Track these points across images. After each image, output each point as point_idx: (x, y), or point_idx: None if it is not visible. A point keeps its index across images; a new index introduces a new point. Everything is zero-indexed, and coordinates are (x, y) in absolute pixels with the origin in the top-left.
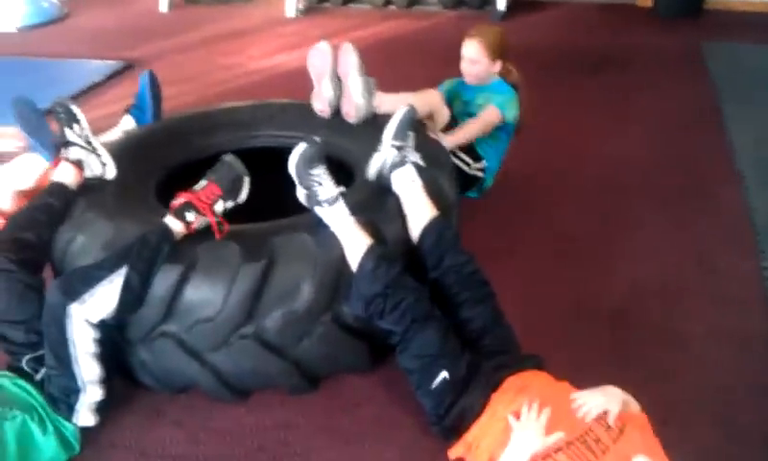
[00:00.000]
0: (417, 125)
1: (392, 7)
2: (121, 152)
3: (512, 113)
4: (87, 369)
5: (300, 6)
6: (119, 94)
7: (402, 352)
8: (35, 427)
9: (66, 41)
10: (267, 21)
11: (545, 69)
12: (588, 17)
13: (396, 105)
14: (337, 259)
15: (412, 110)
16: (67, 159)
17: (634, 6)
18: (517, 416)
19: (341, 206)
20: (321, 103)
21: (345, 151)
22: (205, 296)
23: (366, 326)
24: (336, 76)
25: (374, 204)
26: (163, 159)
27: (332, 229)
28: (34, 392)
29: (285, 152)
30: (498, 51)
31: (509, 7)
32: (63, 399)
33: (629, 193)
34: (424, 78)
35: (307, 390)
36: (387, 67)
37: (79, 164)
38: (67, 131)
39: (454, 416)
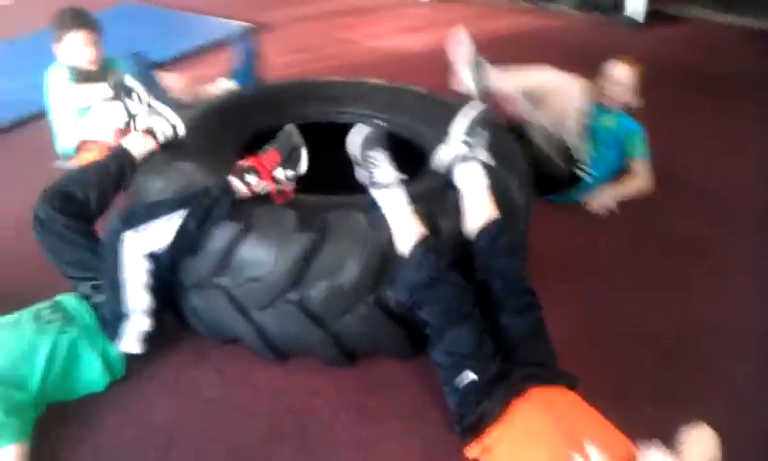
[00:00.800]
0: (491, 124)
1: (521, 2)
2: (217, 109)
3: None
4: (136, 297)
5: None
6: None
7: (434, 346)
8: (85, 346)
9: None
10: (395, 1)
11: (670, 86)
12: (727, 39)
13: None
14: (386, 243)
15: (487, 110)
16: (136, 130)
17: None
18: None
19: (398, 192)
20: (461, 89)
21: (425, 139)
22: (258, 256)
23: (407, 313)
24: (476, 64)
25: (435, 195)
26: (254, 121)
27: (384, 212)
28: (88, 315)
29: None
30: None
31: (645, 16)
32: (112, 322)
33: (721, 226)
34: None
35: (344, 363)
36: (510, 62)
37: (150, 131)
38: (128, 102)
39: (475, 417)
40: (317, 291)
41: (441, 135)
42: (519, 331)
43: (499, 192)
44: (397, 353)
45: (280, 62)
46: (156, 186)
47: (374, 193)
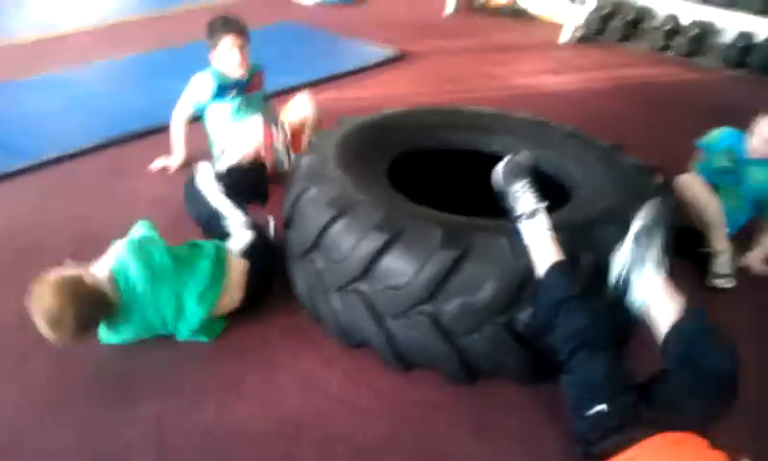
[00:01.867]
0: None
1: (668, 53)
2: (371, 127)
3: None
4: (226, 208)
5: (578, 34)
6: (385, 79)
7: (566, 374)
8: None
9: (356, 23)
10: (540, 42)
11: None
12: None
13: None
14: (524, 270)
15: (663, 207)
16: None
17: None
18: None
19: (540, 218)
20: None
21: (570, 176)
22: (400, 267)
23: (535, 338)
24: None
25: (578, 228)
26: (404, 142)
27: (526, 240)
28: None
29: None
30: None
31: None
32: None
33: None
34: (684, 128)
35: (465, 380)
36: (650, 112)
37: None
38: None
39: (603, 447)
40: (451, 306)
41: (586, 173)
42: (672, 396)
43: None
44: (518, 377)
45: (429, 90)
46: (311, 192)
47: (517, 223)
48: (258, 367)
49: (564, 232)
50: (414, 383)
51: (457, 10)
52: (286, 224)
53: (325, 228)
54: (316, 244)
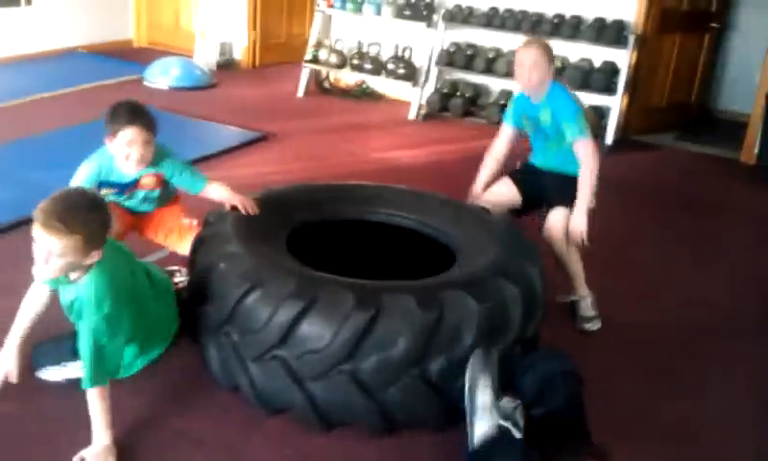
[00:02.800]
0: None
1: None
2: (269, 202)
3: (588, 129)
4: None
5: (423, 111)
6: (252, 160)
7: None
8: None
9: (211, 107)
10: (390, 120)
11: (640, 202)
12: (690, 163)
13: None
14: (432, 323)
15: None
16: None
17: (737, 161)
18: None
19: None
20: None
21: (449, 236)
22: (318, 331)
23: (446, 385)
24: None
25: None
26: (297, 215)
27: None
28: None
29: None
30: (552, 55)
31: (615, 143)
32: None
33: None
34: None
35: (386, 432)
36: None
37: None
38: None
39: None
40: (368, 363)
41: (465, 235)
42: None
43: (524, 285)
44: (434, 424)
45: (295, 168)
46: (220, 268)
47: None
48: (177, 442)
49: (461, 288)
50: (336, 441)
51: (307, 92)
52: (192, 299)
53: (240, 300)
54: (231, 317)
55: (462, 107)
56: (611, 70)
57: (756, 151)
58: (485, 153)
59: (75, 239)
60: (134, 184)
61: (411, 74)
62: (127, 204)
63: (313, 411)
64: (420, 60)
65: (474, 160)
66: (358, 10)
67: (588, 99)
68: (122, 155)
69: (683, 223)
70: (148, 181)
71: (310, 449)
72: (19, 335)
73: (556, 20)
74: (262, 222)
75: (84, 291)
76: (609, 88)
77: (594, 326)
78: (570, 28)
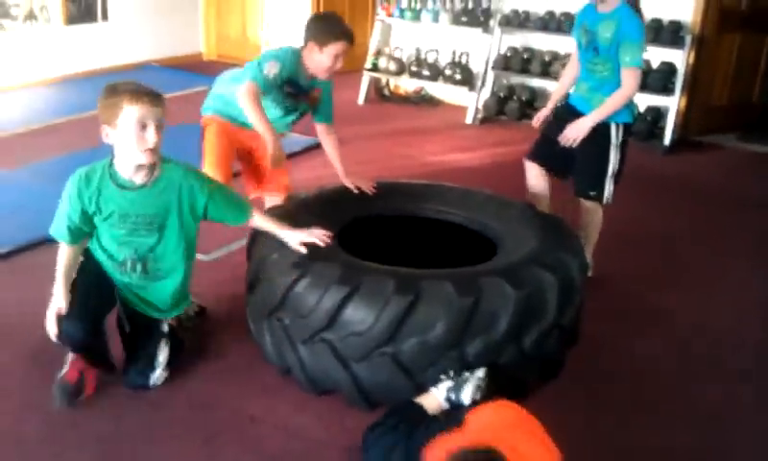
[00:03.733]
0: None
1: None
2: (320, 199)
3: (642, 61)
4: None
5: (480, 115)
6: (313, 164)
7: None
8: None
9: None
10: (447, 124)
11: (708, 204)
12: (753, 163)
13: None
14: (469, 308)
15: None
16: None
17: None
18: None
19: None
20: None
21: (493, 230)
22: (361, 315)
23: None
24: None
25: (516, 276)
26: (351, 210)
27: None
28: None
29: (440, 222)
30: None
31: (672, 144)
32: None
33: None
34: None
35: None
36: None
37: None
38: None
39: None
40: (408, 346)
41: (508, 228)
42: None
43: (562, 273)
44: None
45: (354, 171)
46: (274, 257)
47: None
48: (234, 420)
49: (498, 275)
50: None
51: (367, 99)
52: (250, 289)
53: (291, 287)
54: (282, 303)
55: (518, 110)
56: (668, 70)
57: None
58: None
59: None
60: (308, 93)
61: (468, 79)
62: (284, 118)
63: (357, 391)
64: (476, 66)
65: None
66: (416, 18)
67: (647, 100)
68: (325, 65)
69: (748, 222)
70: (317, 94)
71: (356, 425)
72: (63, 277)
73: None
74: (318, 217)
75: (174, 176)
76: (666, 89)
77: None
78: None
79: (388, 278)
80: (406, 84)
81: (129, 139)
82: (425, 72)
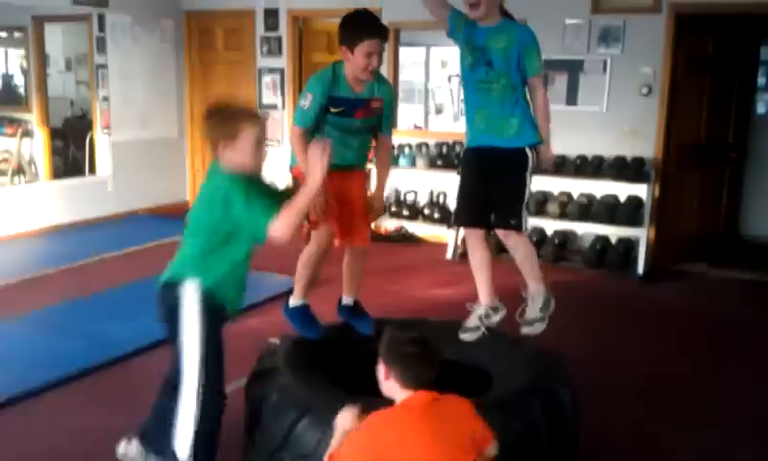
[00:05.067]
0: None
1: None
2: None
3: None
4: None
5: (459, 251)
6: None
7: None
8: None
9: (257, 256)
10: (428, 261)
11: (685, 330)
12: (724, 289)
13: None
14: None
15: None
16: None
17: None
18: None
19: None
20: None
21: (485, 362)
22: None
23: None
24: None
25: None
26: (341, 350)
27: None
28: None
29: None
30: None
31: (646, 272)
32: None
33: None
34: (556, 320)
35: None
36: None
37: None
38: None
39: None
40: None
41: (500, 360)
42: None
43: (553, 406)
44: None
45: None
46: (273, 399)
47: None
48: None
49: (490, 408)
50: None
51: None
52: (248, 430)
53: (292, 427)
54: (283, 444)
55: (496, 245)
56: (636, 204)
57: None
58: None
59: None
60: (364, 105)
61: (446, 217)
62: (349, 138)
63: None
64: (454, 204)
65: (509, 292)
66: (394, 163)
67: (618, 231)
68: (361, 65)
69: (730, 346)
70: (378, 105)
71: None
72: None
73: (578, 161)
74: (310, 356)
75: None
76: (636, 221)
77: (536, 329)
78: (593, 167)
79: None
80: (387, 224)
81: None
82: (405, 212)
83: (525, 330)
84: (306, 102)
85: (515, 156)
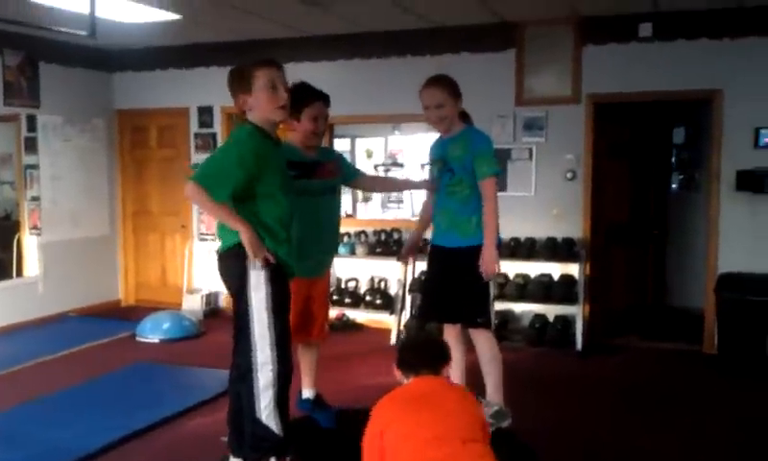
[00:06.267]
0: None
1: None
2: None
3: (497, 166)
4: None
5: (402, 336)
6: None
7: None
8: None
9: (200, 355)
10: (373, 347)
11: (625, 401)
12: (656, 360)
13: None
14: None
15: None
16: None
17: (700, 352)
18: None
19: None
20: None
21: None
22: None
23: None
24: None
25: None
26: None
27: None
28: None
29: None
30: (457, 90)
31: (584, 347)
32: None
33: None
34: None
35: None
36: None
37: None
38: None
39: None
40: None
41: None
42: None
43: None
44: None
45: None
46: None
47: None
48: None
49: None
50: None
51: None
52: None
53: None
54: None
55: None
56: (569, 282)
57: (716, 342)
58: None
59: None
60: (318, 166)
61: (388, 303)
62: (317, 201)
63: None
64: (394, 289)
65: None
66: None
67: (554, 310)
68: (309, 130)
69: (658, 420)
70: (331, 167)
71: None
72: None
73: (512, 243)
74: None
75: None
76: (570, 298)
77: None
78: (526, 249)
79: None
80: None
81: None
82: (347, 300)
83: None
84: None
85: (475, 253)
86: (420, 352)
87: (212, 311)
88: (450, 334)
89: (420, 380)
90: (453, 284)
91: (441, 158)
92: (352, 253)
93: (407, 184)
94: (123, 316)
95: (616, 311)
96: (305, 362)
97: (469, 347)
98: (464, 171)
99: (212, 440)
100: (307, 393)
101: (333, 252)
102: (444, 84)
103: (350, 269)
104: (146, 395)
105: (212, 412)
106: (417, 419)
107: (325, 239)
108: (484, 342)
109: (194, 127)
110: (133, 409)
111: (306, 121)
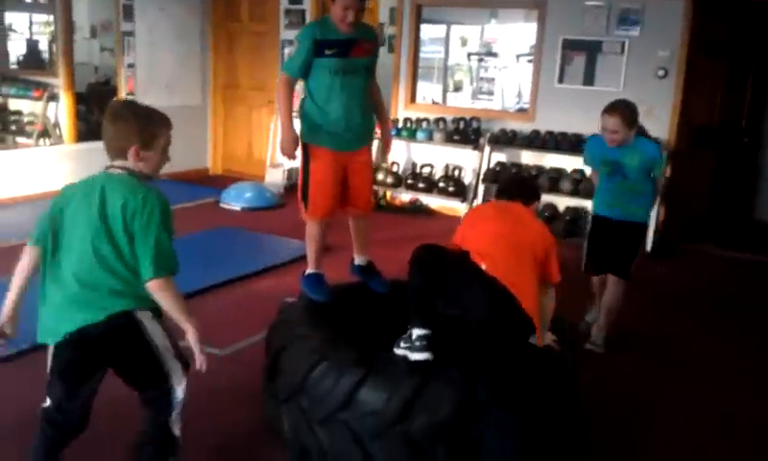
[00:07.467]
0: None
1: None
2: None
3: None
4: None
5: None
6: None
7: None
8: None
9: (279, 224)
10: (442, 232)
11: (688, 307)
12: (730, 269)
13: None
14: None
15: None
16: None
17: None
18: None
19: None
20: None
21: None
22: (375, 396)
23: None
24: None
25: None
26: (350, 308)
27: None
28: None
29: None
30: (634, 118)
31: (654, 249)
32: None
33: None
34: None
35: None
36: None
37: None
38: None
39: None
40: (418, 423)
41: None
42: None
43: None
44: None
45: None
46: (293, 346)
47: None
48: None
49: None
50: None
51: None
52: (267, 378)
53: (310, 371)
54: (301, 386)
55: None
56: None
57: None
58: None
59: None
60: (353, 45)
61: (461, 191)
62: (350, 79)
63: None
64: (468, 178)
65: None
66: (412, 136)
67: None
68: (338, 16)
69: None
70: (367, 45)
71: None
72: (15, 295)
73: None
74: (325, 313)
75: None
76: None
77: (598, 349)
78: None
79: (400, 361)
80: (402, 196)
81: None
82: (421, 185)
83: (588, 346)
84: (295, 50)
85: (641, 229)
86: (517, 185)
87: (293, 186)
88: (600, 279)
89: (511, 203)
90: (618, 246)
91: (615, 162)
92: (430, 139)
93: (383, 126)
94: (210, 183)
95: (695, 217)
96: (354, 232)
97: None
98: (639, 174)
99: (277, 298)
100: (358, 260)
101: (366, 126)
102: (621, 114)
103: (427, 155)
104: (223, 255)
105: (283, 275)
106: (495, 218)
107: (354, 114)
108: (617, 288)
109: (284, 2)
110: (211, 266)
111: (337, 8)
